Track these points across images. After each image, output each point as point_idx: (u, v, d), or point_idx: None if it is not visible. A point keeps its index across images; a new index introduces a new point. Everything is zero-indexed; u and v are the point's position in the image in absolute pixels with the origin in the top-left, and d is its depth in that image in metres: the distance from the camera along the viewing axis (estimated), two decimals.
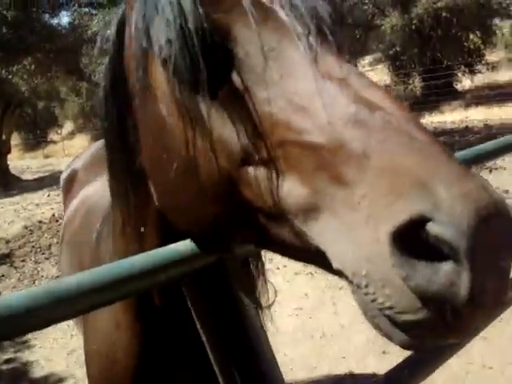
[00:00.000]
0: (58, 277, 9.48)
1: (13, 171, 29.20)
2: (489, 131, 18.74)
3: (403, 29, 25.68)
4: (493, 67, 31.16)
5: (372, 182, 0.96)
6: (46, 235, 13.41)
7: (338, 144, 1.02)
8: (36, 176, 29.33)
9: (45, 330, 7.67)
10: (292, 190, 1.10)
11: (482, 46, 30.28)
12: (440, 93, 26.82)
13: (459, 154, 2.19)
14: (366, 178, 0.97)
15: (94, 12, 22.31)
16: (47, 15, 24.53)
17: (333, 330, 6.56)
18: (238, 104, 1.18)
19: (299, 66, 1.14)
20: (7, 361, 7.20)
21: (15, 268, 11.16)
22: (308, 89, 1.10)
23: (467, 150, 2.36)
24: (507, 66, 34.13)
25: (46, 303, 1.05)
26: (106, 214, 2.28)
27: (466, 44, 29.30)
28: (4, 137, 28.31)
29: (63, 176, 4.40)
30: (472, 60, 29.53)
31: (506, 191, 10.78)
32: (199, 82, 1.21)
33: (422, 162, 0.94)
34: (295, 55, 1.16)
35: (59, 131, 49.00)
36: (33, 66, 24.90)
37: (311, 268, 7.76)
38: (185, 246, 1.34)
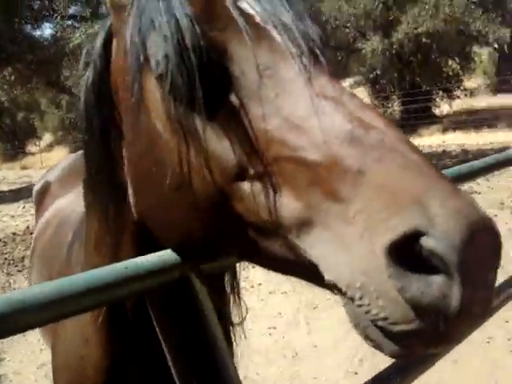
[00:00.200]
0: None
1: None
2: (465, 156, 19.01)
3: (384, 53, 26.02)
4: (471, 93, 31.68)
5: (367, 198, 1.00)
6: (19, 247, 13.23)
7: (334, 161, 1.06)
8: (12, 187, 28.97)
9: (15, 344, 7.54)
10: (286, 204, 1.12)
11: (460, 72, 30.79)
12: (418, 117, 27.15)
13: None
14: (361, 194, 1.01)
15: (76, 25, 22.26)
16: (29, 26, 24.44)
17: (305, 350, 6.54)
18: (234, 121, 1.21)
19: (294, 85, 1.17)
20: None
21: None
22: (303, 107, 1.14)
23: (444, 171, 2.41)
24: (485, 93, 34.74)
25: None
26: (78, 227, 2.26)
27: (444, 69, 29.77)
28: None
29: (36, 188, 4.35)
30: (450, 85, 29.99)
31: None
32: (195, 98, 1.22)
33: (416, 179, 0.98)
34: (290, 74, 1.19)
35: (38, 143, 48.54)
36: (13, 77, 24.74)
37: (286, 287, 7.77)
38: (149, 259, 1.33)
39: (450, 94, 30.52)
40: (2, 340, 6.58)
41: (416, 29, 24.45)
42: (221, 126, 1.22)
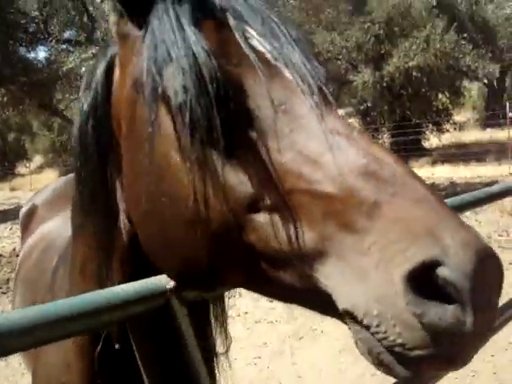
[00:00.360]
0: None
1: None
2: (454, 189, 19.11)
3: (375, 85, 26.27)
4: (460, 127, 32.02)
5: (383, 230, 1.06)
6: (5, 269, 13.07)
7: (350, 193, 1.12)
8: (0, 208, 28.75)
9: None
10: (301, 235, 1.16)
11: (450, 106, 31.12)
12: (408, 149, 27.31)
13: None
14: (376, 226, 1.07)
15: (71, 49, 22.39)
16: (24, 48, 24.54)
17: (290, 381, 6.47)
18: (249, 153, 1.25)
19: (308, 120, 1.23)
20: None
21: None
22: (318, 142, 1.19)
23: None
24: (474, 127, 35.12)
25: None
26: (63, 252, 2.25)
27: (434, 103, 30.03)
28: None
29: (23, 210, 4.32)
30: (440, 119, 30.26)
31: None
32: (213, 129, 1.25)
33: (428, 212, 1.05)
34: (303, 111, 1.24)
35: (28, 164, 48.37)
36: (5, 98, 24.74)
37: (272, 316, 7.73)
38: (132, 286, 1.33)
39: (439, 128, 30.80)
40: None
41: (407, 63, 24.76)
42: (236, 158, 1.26)
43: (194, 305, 1.67)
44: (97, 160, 1.64)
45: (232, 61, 1.32)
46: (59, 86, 23.33)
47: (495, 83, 35.63)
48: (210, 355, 2.01)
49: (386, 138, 30.73)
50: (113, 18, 1.55)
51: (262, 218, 1.22)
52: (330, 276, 1.12)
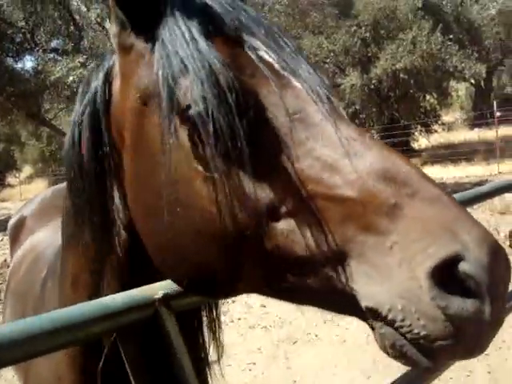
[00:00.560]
0: None
1: None
2: (444, 189, 19.17)
3: (362, 88, 26.38)
4: (448, 127, 32.20)
5: (403, 230, 1.12)
6: None
7: (370, 196, 1.17)
8: None
9: None
10: (323, 239, 1.20)
11: (437, 107, 31.31)
12: (397, 151, 27.28)
13: None
14: (397, 226, 1.13)
15: (58, 58, 22.34)
16: (11, 59, 24.44)
17: None
18: (268, 162, 1.28)
19: (323, 128, 1.27)
20: None
21: None
22: (334, 148, 1.24)
23: None
24: (462, 127, 35.33)
25: None
26: (53, 263, 2.24)
27: (422, 104, 30.19)
28: None
29: (11, 222, 4.28)
30: (428, 120, 30.42)
31: None
32: (236, 138, 1.27)
33: (444, 211, 1.12)
34: (317, 119, 1.29)
35: (17, 175, 48.14)
36: None
37: (266, 322, 7.71)
38: (118, 298, 1.32)
39: (427, 129, 30.97)
40: None
41: (394, 65, 24.88)
42: (256, 167, 1.27)
43: (186, 313, 1.67)
44: (94, 171, 1.63)
45: (246, 72, 1.35)
46: (47, 96, 23.26)
47: (482, 83, 35.95)
48: (202, 363, 2.00)
49: None
50: (114, 30, 1.54)
51: (283, 224, 1.25)
52: (354, 277, 1.17)
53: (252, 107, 1.30)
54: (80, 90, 1.73)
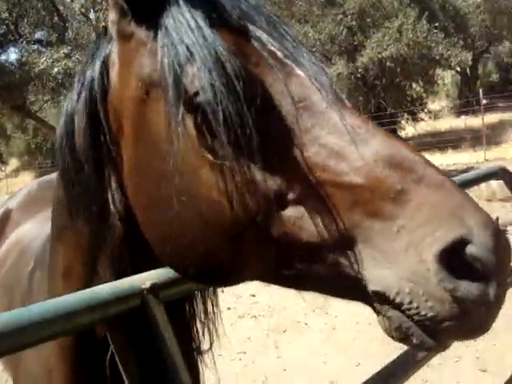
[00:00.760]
0: None
1: None
2: None
3: (349, 77, 26.41)
4: (435, 115, 32.31)
5: (410, 215, 1.15)
6: None
7: (377, 183, 1.19)
8: None
9: None
10: (331, 225, 1.22)
11: (424, 95, 31.41)
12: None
13: None
14: (403, 211, 1.15)
15: (42, 50, 22.13)
16: None
17: (275, 374, 6.50)
18: (275, 150, 1.29)
19: (328, 116, 1.29)
20: None
21: None
22: (340, 136, 1.26)
23: None
24: (448, 115, 35.49)
25: None
26: (40, 254, 2.22)
27: (409, 93, 30.30)
28: None
29: None
30: (415, 108, 30.53)
31: None
32: (245, 126, 1.27)
33: (449, 197, 1.15)
34: (322, 107, 1.30)
35: (3, 168, 47.80)
36: None
37: (255, 311, 7.72)
38: (105, 288, 1.32)
39: (414, 117, 31.06)
40: None
41: (380, 53, 24.91)
42: (263, 154, 1.28)
43: (179, 303, 1.67)
44: (92, 160, 1.60)
45: (251, 61, 1.35)
46: (32, 88, 23.03)
47: (468, 71, 36.08)
48: (192, 353, 2.00)
49: None
50: (113, 17, 1.52)
51: (291, 211, 1.27)
52: (361, 261, 1.19)
53: (259, 95, 1.30)
54: (76, 78, 1.69)
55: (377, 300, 1.20)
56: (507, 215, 9.25)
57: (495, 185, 12.89)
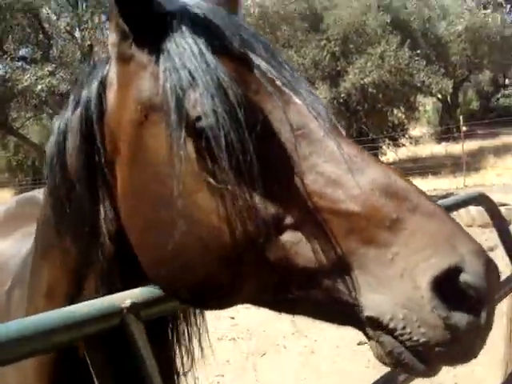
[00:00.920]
0: None
1: None
2: None
3: (331, 102, 26.61)
4: (416, 141, 32.63)
5: (404, 242, 1.18)
6: None
7: (373, 211, 1.22)
8: None
9: None
10: (326, 251, 1.25)
11: (405, 121, 31.67)
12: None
13: None
14: (398, 238, 1.19)
15: (26, 67, 22.07)
16: None
17: None
18: (274, 176, 1.31)
19: (325, 144, 1.32)
20: None
21: None
22: (337, 164, 1.29)
23: None
24: (429, 141, 35.87)
25: None
26: (19, 273, 2.19)
27: (390, 118, 30.51)
28: None
29: None
30: (396, 134, 30.76)
31: None
32: (246, 152, 1.29)
33: (442, 226, 1.20)
34: (319, 135, 1.34)
35: None
36: None
37: (234, 333, 7.67)
38: (84, 306, 1.31)
39: (395, 142, 31.28)
40: None
41: (362, 79, 25.16)
42: (262, 181, 1.30)
43: (155, 324, 1.65)
44: (84, 180, 1.59)
45: (251, 88, 1.38)
46: (14, 104, 22.88)
47: (449, 98, 36.59)
48: (171, 374, 1.98)
49: None
50: (113, 39, 1.53)
51: (288, 237, 1.29)
52: (356, 287, 1.22)
53: (259, 122, 1.33)
54: (70, 97, 1.69)
55: (370, 325, 1.23)
56: (487, 241, 9.34)
57: (474, 211, 13.02)
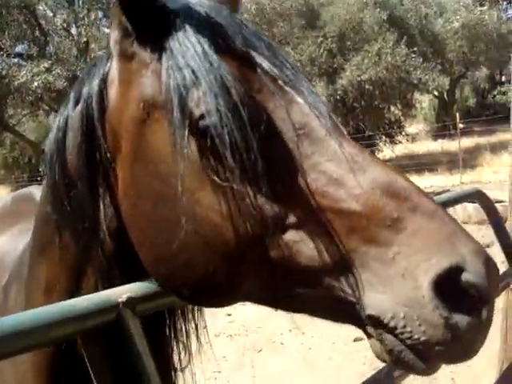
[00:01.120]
0: None
1: None
2: None
3: (328, 99, 26.63)
4: (412, 138, 32.70)
5: (405, 241, 1.19)
6: None
7: (375, 210, 1.23)
8: None
9: None
10: (328, 250, 1.25)
11: (402, 118, 31.80)
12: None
13: None
14: (399, 238, 1.20)
15: (22, 63, 22.03)
16: None
17: None
18: (276, 175, 1.32)
19: (328, 143, 1.32)
20: None
21: None
22: (339, 164, 1.29)
23: None
24: (425, 138, 35.92)
25: None
26: (15, 269, 2.19)
27: (387, 115, 30.62)
28: None
29: None
30: (393, 131, 30.83)
31: None
32: (250, 151, 1.29)
33: (443, 225, 1.20)
34: (321, 134, 1.34)
35: None
36: None
37: (231, 330, 7.67)
38: (81, 301, 1.31)
39: (392, 139, 31.35)
40: None
41: (359, 76, 25.21)
42: (265, 179, 1.30)
43: (153, 319, 1.65)
44: (85, 177, 1.59)
45: (253, 87, 1.38)
46: (10, 101, 22.87)
47: (445, 95, 36.63)
48: (168, 370, 1.98)
49: None
50: (115, 36, 1.53)
51: (290, 235, 1.29)
52: (358, 286, 1.22)
53: (263, 121, 1.33)
54: (71, 94, 1.68)
55: (370, 324, 1.23)
56: (483, 237, 9.35)
57: (471, 208, 13.04)
